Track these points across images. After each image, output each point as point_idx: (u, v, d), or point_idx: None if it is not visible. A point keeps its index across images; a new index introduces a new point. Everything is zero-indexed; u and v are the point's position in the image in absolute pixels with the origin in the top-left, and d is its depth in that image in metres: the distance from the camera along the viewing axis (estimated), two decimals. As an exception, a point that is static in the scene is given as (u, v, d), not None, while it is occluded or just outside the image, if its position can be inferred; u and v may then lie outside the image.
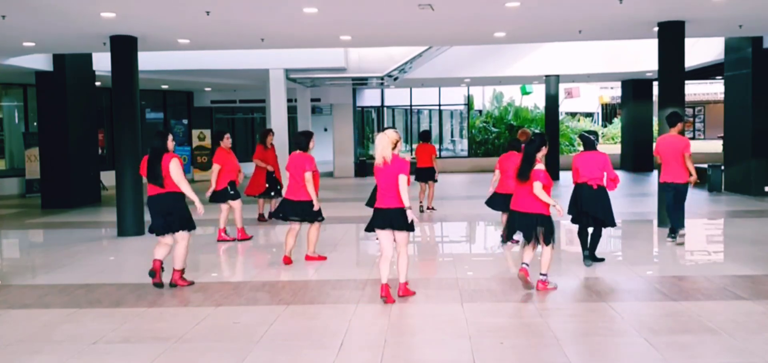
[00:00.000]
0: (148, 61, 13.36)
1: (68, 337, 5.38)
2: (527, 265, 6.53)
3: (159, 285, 6.89)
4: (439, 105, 26.28)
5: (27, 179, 17.28)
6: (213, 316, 5.91)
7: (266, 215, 11.60)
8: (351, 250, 9.42)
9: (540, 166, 6.41)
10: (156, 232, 6.91)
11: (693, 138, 31.19)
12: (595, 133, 7.73)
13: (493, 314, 5.87)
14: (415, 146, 13.05)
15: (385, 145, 6.02)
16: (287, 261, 8.07)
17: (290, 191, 7.88)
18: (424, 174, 12.47)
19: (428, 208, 12.67)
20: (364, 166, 22.53)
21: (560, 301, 6.29)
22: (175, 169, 6.72)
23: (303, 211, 7.80)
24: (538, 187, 6.30)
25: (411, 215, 6.03)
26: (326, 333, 5.42)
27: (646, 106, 22.18)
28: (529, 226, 6.48)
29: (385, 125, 26.30)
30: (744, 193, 14.42)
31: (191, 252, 9.04)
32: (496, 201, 8.82)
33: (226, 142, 9.78)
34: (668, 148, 8.77)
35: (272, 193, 11.25)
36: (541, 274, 6.58)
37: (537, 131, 9.02)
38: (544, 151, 6.47)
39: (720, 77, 18.78)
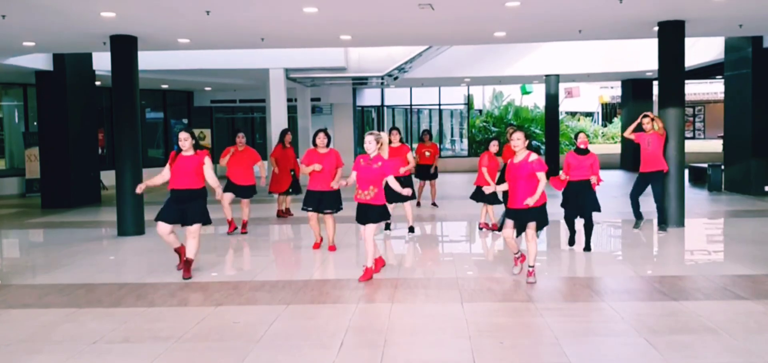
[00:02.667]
0: (148, 61, 13.37)
1: (68, 337, 5.38)
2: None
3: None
4: (439, 105, 26.29)
5: (27, 179, 17.28)
6: (213, 316, 5.91)
7: (284, 210, 12.21)
8: (351, 250, 9.42)
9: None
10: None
11: (693, 138, 31.17)
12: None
13: (493, 314, 5.87)
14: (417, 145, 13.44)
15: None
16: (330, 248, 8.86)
17: (314, 183, 8.59)
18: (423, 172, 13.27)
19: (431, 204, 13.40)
20: (364, 166, 22.50)
21: (560, 301, 6.29)
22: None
23: (332, 201, 8.62)
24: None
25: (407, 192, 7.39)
26: (326, 333, 5.42)
27: (646, 106, 22.11)
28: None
29: (385, 125, 26.32)
30: (744, 193, 14.42)
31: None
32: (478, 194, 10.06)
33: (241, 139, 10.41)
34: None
35: (291, 190, 11.87)
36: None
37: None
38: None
39: (720, 77, 18.78)
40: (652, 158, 9.69)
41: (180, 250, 7.50)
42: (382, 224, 8.15)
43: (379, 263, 7.34)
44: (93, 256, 9.05)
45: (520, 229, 6.86)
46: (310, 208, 8.63)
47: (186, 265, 7.32)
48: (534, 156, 6.72)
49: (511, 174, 6.81)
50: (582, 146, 8.32)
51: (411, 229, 10.10)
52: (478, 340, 5.10)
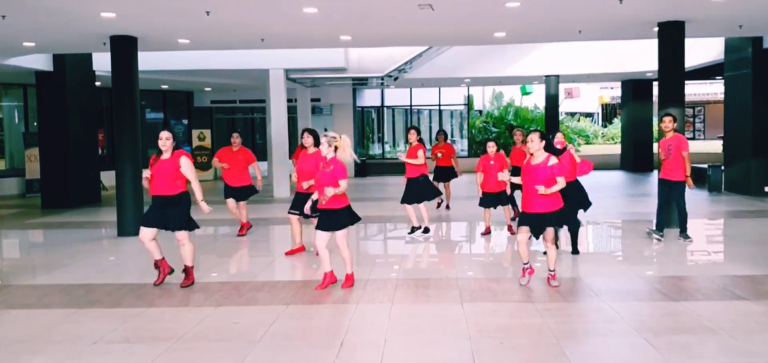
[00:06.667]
0: (148, 61, 13.37)
1: (68, 337, 5.38)
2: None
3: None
4: (439, 105, 26.30)
5: (27, 179, 17.29)
6: (213, 316, 5.91)
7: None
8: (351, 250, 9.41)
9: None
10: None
11: (693, 138, 31.19)
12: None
13: (493, 314, 5.87)
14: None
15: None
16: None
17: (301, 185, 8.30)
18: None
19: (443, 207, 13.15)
20: (364, 166, 22.55)
21: (560, 301, 6.29)
22: None
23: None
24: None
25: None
26: (326, 333, 5.42)
27: (646, 106, 22.18)
28: None
29: (385, 125, 26.34)
30: (744, 193, 14.42)
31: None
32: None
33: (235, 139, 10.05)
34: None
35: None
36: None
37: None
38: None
39: (720, 77, 18.78)
40: (673, 165, 8.90)
41: (161, 264, 7.07)
42: (352, 227, 7.26)
43: (330, 279, 6.89)
44: (93, 256, 9.05)
45: (535, 234, 6.63)
46: (297, 212, 8.35)
47: (186, 273, 7.07)
48: (554, 159, 6.50)
49: (527, 176, 6.54)
50: (559, 146, 7.92)
51: (426, 230, 9.99)
52: (478, 340, 5.10)
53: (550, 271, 6.78)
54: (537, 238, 6.75)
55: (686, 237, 9.07)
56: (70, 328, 5.66)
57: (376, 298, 6.42)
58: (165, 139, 6.76)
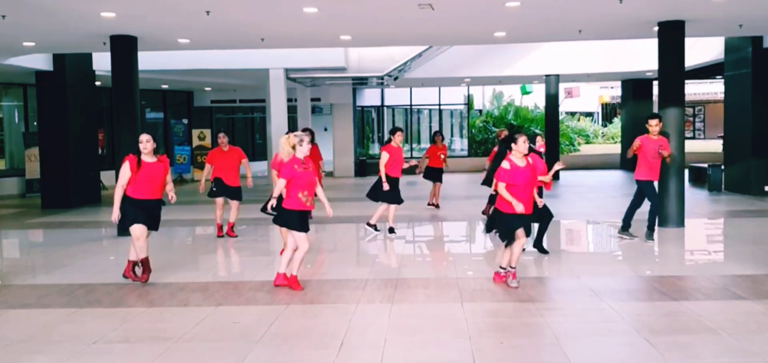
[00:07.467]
0: (148, 61, 13.37)
1: (68, 337, 5.38)
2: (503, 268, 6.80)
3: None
4: (439, 105, 26.31)
5: (27, 179, 17.29)
6: (213, 316, 5.91)
7: None
8: (351, 250, 9.43)
9: (505, 163, 6.48)
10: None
11: (693, 138, 31.17)
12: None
13: (493, 314, 5.87)
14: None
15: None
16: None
17: None
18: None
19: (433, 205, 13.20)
20: (364, 166, 22.55)
21: (560, 301, 6.29)
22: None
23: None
24: (500, 187, 6.49)
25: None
26: (326, 333, 5.42)
27: (646, 106, 22.13)
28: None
29: (385, 125, 26.34)
30: (744, 193, 14.42)
31: (187, 250, 9.06)
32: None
33: (222, 139, 9.80)
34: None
35: None
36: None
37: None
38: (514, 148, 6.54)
39: (720, 77, 18.78)
40: (656, 167, 8.99)
41: (144, 261, 7.07)
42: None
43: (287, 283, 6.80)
44: (93, 256, 9.05)
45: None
46: None
47: (133, 266, 7.18)
48: (530, 159, 6.59)
49: (522, 178, 6.46)
50: (542, 149, 7.86)
51: (391, 230, 9.96)
52: (478, 340, 5.10)
53: (512, 267, 6.71)
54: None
55: (626, 231, 9.31)
56: (70, 328, 5.66)
57: (376, 298, 6.42)
58: (146, 142, 6.80)
